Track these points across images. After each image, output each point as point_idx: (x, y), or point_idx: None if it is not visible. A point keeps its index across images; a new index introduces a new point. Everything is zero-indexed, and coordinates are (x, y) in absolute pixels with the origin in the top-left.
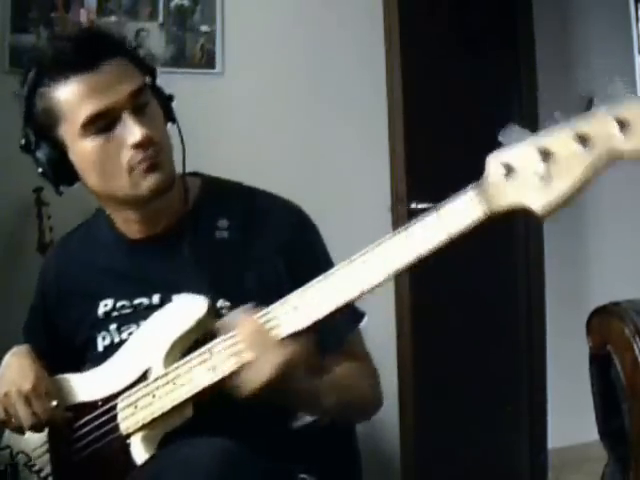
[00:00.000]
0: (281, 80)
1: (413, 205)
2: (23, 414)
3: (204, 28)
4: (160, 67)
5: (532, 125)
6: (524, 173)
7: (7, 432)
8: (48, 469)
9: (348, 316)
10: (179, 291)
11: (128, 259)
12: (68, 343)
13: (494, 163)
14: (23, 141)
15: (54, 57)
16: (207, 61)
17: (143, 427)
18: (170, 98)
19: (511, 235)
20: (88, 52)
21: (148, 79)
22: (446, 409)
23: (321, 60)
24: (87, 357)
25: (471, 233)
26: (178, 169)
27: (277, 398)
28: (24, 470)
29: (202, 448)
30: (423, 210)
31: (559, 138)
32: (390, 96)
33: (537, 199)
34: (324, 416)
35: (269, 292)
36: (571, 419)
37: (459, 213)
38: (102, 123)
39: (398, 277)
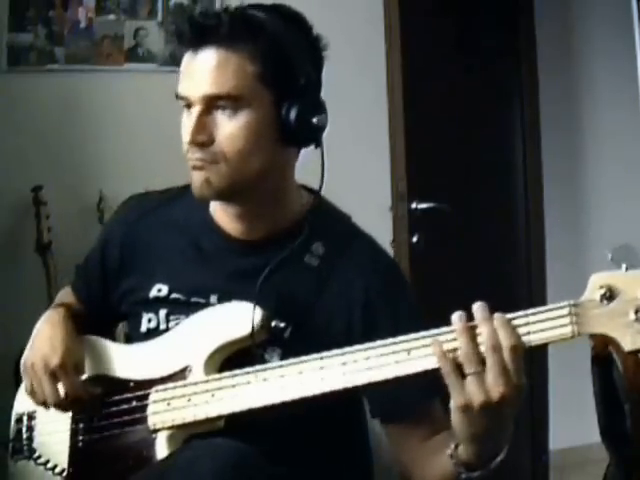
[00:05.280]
0: None
1: (413, 205)
2: (48, 391)
3: None
4: (159, 66)
5: (532, 125)
6: (624, 305)
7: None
8: (55, 460)
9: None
10: (240, 299)
11: (212, 252)
12: (112, 308)
13: (597, 284)
14: None
15: (181, 23)
16: None
17: (171, 427)
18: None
19: (512, 232)
20: (195, 30)
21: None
22: (447, 409)
23: None
24: (128, 333)
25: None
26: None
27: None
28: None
29: (207, 450)
30: (423, 210)
31: None
32: (390, 96)
33: (629, 338)
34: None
35: (332, 334)
36: (573, 420)
37: (547, 325)
38: (185, 103)
39: None
